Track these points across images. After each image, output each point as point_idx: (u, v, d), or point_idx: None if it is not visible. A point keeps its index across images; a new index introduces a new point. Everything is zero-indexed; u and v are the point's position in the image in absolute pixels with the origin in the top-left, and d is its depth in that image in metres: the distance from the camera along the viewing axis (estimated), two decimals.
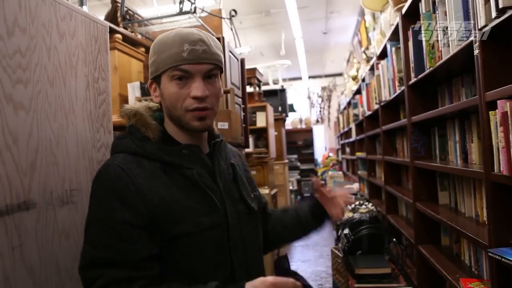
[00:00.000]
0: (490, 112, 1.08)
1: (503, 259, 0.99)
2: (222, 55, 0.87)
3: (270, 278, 0.71)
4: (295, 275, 1.00)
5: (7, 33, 0.76)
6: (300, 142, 9.71)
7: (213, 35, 2.36)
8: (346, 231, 2.69)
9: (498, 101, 1.01)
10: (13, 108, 0.76)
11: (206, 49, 0.81)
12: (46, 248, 0.82)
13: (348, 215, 3.21)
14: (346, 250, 2.50)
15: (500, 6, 0.94)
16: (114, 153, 0.84)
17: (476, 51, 1.12)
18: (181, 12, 1.80)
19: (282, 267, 0.81)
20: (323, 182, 1.06)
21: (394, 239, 2.46)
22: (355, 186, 4.82)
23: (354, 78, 4.54)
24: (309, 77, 9.55)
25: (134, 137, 0.84)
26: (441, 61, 1.46)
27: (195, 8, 1.79)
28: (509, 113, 0.95)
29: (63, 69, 0.90)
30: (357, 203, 3.48)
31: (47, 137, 0.84)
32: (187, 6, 1.88)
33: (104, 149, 1.04)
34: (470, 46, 1.21)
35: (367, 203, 3.47)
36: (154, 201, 0.77)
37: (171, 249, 0.78)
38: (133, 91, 2.20)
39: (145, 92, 2.21)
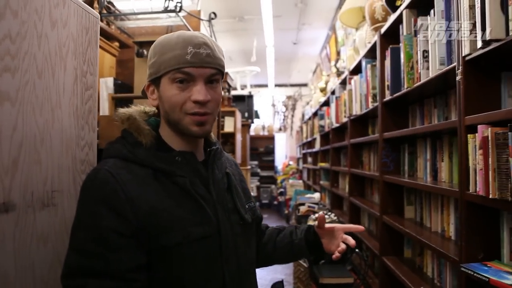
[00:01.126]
0: (468, 135, 1.15)
1: (475, 274, 1.05)
2: (224, 60, 0.85)
3: None
4: None
5: None
6: (261, 149, 9.78)
7: None
8: None
9: (479, 126, 1.07)
10: None
11: (210, 53, 0.79)
12: (23, 254, 0.75)
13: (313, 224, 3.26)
14: (312, 259, 2.53)
15: (487, 38, 1.01)
16: (105, 158, 0.79)
17: (458, 77, 1.19)
18: (166, 10, 1.74)
19: None
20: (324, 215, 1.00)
21: (357, 250, 2.54)
22: (316, 195, 4.93)
23: (322, 90, 4.66)
24: (275, 85, 9.67)
25: (126, 142, 0.80)
26: (419, 82, 1.53)
27: (180, 7, 1.74)
28: (489, 138, 1.02)
29: (52, 60, 0.83)
30: (320, 213, 3.55)
31: (32, 133, 0.77)
32: (171, 4, 1.83)
33: (87, 148, 0.97)
34: (450, 71, 1.28)
35: (330, 213, 3.55)
36: (143, 209, 0.73)
37: (160, 259, 0.75)
38: (106, 87, 2.10)
39: (118, 88, 2.11)
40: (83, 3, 0.95)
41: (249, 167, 5.94)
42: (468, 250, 1.17)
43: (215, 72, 0.80)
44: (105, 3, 1.87)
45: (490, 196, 1.01)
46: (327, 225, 0.98)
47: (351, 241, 0.97)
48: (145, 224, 0.73)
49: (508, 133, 0.94)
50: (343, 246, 0.96)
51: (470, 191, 1.14)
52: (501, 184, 0.97)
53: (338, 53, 4.58)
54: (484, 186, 1.04)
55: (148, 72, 0.82)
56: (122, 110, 0.84)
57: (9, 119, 0.71)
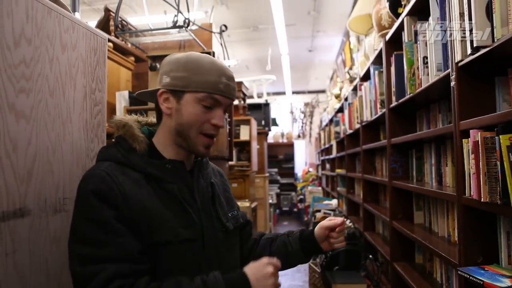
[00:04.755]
0: (463, 140, 1.17)
1: (470, 277, 1.06)
2: None
3: (265, 259, 0.81)
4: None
5: (14, 43, 0.78)
6: (281, 156, 9.80)
7: (203, 49, 2.42)
8: None
9: (471, 131, 1.09)
10: (15, 116, 0.78)
11: (234, 87, 0.91)
12: (38, 255, 0.83)
13: None
14: (324, 265, 2.55)
15: (475, 44, 1.04)
16: (99, 161, 0.86)
17: (452, 83, 1.22)
18: (175, 26, 1.84)
19: None
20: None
21: (370, 256, 2.54)
22: (334, 202, 4.91)
23: (337, 97, 4.67)
24: (293, 93, 9.72)
25: (120, 147, 0.86)
26: (420, 88, 1.55)
27: (188, 22, 1.84)
28: (479, 143, 1.04)
29: (63, 80, 0.93)
30: (341, 219, 3.55)
31: (45, 146, 0.86)
32: (180, 19, 1.93)
33: None
34: (447, 77, 1.30)
35: (346, 219, 3.54)
36: (136, 208, 0.79)
37: (150, 257, 0.80)
38: (121, 99, 2.22)
39: (133, 101, 2.23)
40: (91, 26, 1.05)
41: (267, 174, 5.98)
42: (466, 254, 1.18)
43: (231, 103, 0.93)
44: (120, 20, 1.99)
45: (482, 200, 1.03)
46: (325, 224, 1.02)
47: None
48: (138, 222, 0.79)
49: (495, 137, 0.96)
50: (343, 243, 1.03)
51: (466, 195, 1.16)
52: (491, 188, 0.99)
53: (352, 60, 4.60)
54: (477, 190, 1.06)
55: (170, 82, 0.87)
56: (118, 118, 0.91)
57: (24, 134, 0.81)
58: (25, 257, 0.80)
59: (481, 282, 1.01)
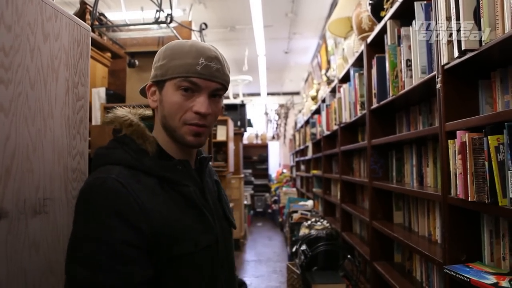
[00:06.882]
0: (449, 140, 1.19)
1: (457, 275, 1.09)
2: (229, 77, 0.86)
3: None
4: None
5: None
6: (255, 157, 9.81)
7: None
8: (304, 247, 2.76)
9: (458, 132, 1.12)
10: None
11: (219, 68, 0.79)
12: (15, 261, 0.77)
13: (304, 231, 3.28)
14: (304, 266, 2.55)
15: (462, 48, 1.06)
16: (104, 165, 0.76)
17: (438, 85, 1.24)
18: (156, 22, 1.78)
19: None
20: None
21: (349, 256, 2.57)
22: (309, 203, 4.95)
23: (314, 98, 4.72)
24: (268, 94, 9.75)
25: (129, 148, 0.78)
26: (403, 90, 1.58)
27: (171, 18, 1.78)
28: (467, 143, 1.06)
29: (45, 72, 0.86)
30: (313, 220, 3.57)
31: (25, 142, 0.80)
32: (162, 15, 1.87)
33: (79, 157, 0.99)
34: (431, 79, 1.33)
35: (322, 220, 3.57)
36: (157, 220, 0.72)
37: (169, 268, 0.74)
38: (97, 97, 2.12)
39: (110, 98, 2.14)
40: (74, 16, 0.99)
41: (242, 175, 5.96)
42: (451, 252, 1.20)
43: (220, 87, 0.81)
44: (97, 15, 1.91)
45: (469, 199, 1.05)
46: None
47: None
48: (159, 236, 0.72)
49: (483, 138, 0.99)
50: None
51: (452, 195, 1.18)
52: (479, 187, 1.01)
53: (329, 62, 4.66)
54: (464, 189, 1.08)
55: (153, 73, 0.82)
56: (121, 114, 0.83)
57: (3, 129, 0.74)
58: (2, 263, 0.73)
59: (468, 280, 1.03)
